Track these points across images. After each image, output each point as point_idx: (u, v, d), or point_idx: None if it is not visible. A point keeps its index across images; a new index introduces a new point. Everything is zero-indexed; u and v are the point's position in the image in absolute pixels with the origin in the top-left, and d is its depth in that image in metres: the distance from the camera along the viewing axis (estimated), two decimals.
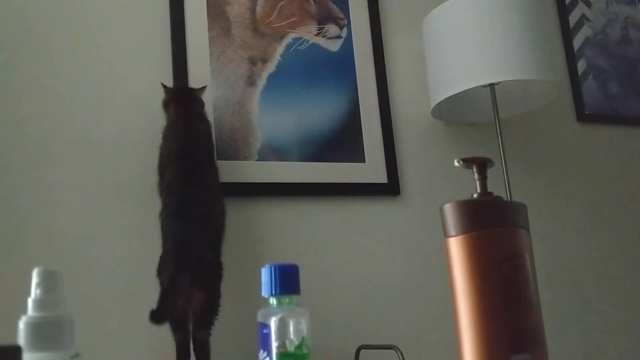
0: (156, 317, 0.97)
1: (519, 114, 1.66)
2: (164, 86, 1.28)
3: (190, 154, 1.16)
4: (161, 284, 1.05)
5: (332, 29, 1.56)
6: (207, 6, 1.43)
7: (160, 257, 1.08)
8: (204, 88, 1.28)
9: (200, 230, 1.08)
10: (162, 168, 1.18)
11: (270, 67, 1.47)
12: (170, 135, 1.20)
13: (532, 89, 1.57)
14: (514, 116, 1.67)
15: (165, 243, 1.08)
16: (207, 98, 1.33)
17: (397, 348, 1.09)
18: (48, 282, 0.49)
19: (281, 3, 1.52)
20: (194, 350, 1.07)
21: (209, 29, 1.42)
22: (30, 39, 1.27)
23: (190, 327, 1.07)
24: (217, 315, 1.09)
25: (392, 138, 1.55)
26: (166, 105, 1.26)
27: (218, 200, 1.16)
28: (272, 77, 1.46)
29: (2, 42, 1.25)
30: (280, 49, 1.49)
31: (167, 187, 1.12)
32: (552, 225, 1.74)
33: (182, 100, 1.25)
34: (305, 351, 0.55)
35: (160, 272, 1.06)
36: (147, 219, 1.25)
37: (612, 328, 1.73)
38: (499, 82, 1.45)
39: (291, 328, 0.55)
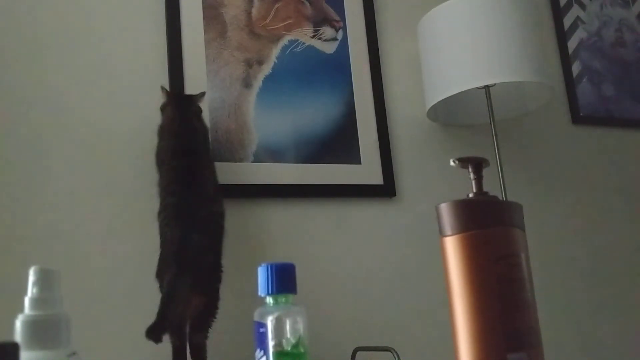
0: (154, 333, 0.95)
1: (514, 116, 1.66)
2: (164, 89, 1.27)
3: (187, 150, 1.15)
4: (160, 286, 1.04)
5: (327, 32, 1.57)
6: (203, 8, 1.43)
7: (159, 258, 1.06)
8: (202, 94, 1.27)
9: (200, 233, 1.06)
10: (160, 166, 1.17)
11: (266, 69, 1.47)
12: (166, 132, 1.19)
13: (527, 91, 1.58)
14: (509, 118, 1.68)
15: (164, 245, 1.07)
16: (203, 100, 1.33)
17: (394, 350, 1.08)
18: (45, 280, 0.49)
19: (277, 5, 1.52)
20: (190, 353, 1.06)
21: (205, 31, 1.42)
22: (27, 40, 1.27)
23: (188, 330, 1.06)
24: (215, 319, 1.08)
25: (388, 140, 1.55)
26: (164, 108, 1.25)
27: (217, 200, 1.15)
28: (267, 79, 1.46)
29: (0, 42, 1.25)
30: (276, 51, 1.49)
31: (165, 187, 1.11)
32: (547, 225, 1.74)
33: (180, 102, 1.24)
34: (302, 350, 0.55)
35: (159, 274, 1.05)
36: (145, 218, 1.25)
37: (607, 327, 1.74)
38: (494, 84, 1.45)
39: (288, 327, 0.55)
